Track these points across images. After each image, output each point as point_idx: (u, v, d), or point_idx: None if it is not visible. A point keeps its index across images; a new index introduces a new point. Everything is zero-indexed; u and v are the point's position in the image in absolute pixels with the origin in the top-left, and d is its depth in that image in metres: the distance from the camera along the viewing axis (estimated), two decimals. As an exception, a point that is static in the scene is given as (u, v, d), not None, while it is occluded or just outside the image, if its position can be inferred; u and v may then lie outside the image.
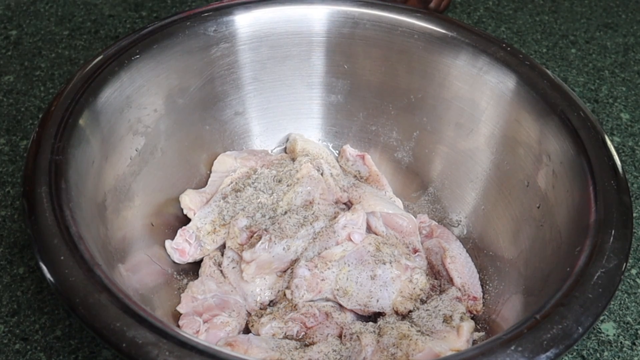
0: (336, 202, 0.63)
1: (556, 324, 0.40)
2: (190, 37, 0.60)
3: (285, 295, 0.56)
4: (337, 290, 0.55)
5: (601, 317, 0.56)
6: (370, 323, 0.54)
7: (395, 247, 0.58)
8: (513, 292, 0.54)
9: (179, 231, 0.59)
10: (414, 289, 0.56)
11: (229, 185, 0.62)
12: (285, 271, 0.57)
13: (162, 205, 0.61)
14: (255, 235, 0.56)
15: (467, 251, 0.60)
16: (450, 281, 0.57)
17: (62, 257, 0.41)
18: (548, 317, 0.41)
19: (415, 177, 0.67)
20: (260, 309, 0.56)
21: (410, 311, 0.55)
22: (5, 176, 0.70)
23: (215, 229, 0.59)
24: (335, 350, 0.51)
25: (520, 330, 0.40)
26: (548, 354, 0.39)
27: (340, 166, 0.68)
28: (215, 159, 0.66)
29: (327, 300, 0.56)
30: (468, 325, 0.51)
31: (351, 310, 0.56)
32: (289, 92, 0.67)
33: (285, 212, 0.59)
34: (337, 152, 0.70)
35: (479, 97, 0.61)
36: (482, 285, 0.58)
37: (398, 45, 0.63)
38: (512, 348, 0.39)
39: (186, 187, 0.63)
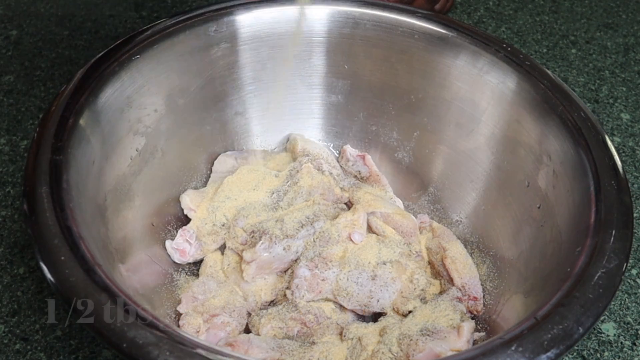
0: (336, 202, 0.63)
1: (557, 324, 0.40)
2: (190, 37, 0.60)
3: (285, 295, 0.56)
4: (338, 290, 0.55)
5: (602, 318, 0.56)
6: (371, 323, 0.54)
7: (396, 247, 0.58)
8: (513, 292, 0.54)
9: (180, 231, 0.59)
10: (414, 289, 0.56)
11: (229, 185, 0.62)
12: (285, 271, 0.57)
13: (163, 205, 0.61)
14: (255, 235, 0.56)
15: (467, 251, 0.60)
16: (451, 281, 0.57)
17: (62, 257, 0.41)
18: (548, 317, 0.41)
19: (415, 177, 0.67)
20: (261, 309, 0.56)
21: (410, 311, 0.55)
22: (6, 176, 0.70)
23: (215, 229, 0.59)
24: (335, 351, 0.51)
25: (521, 331, 0.40)
26: (549, 354, 0.39)
27: (341, 166, 0.68)
28: (216, 159, 0.66)
29: (328, 300, 0.56)
30: (468, 326, 0.51)
31: (351, 310, 0.56)
32: (289, 92, 0.67)
33: (286, 212, 0.59)
34: (338, 152, 0.70)
35: (480, 97, 0.61)
36: (482, 286, 0.58)
37: (398, 46, 0.63)
38: (513, 348, 0.39)
39: (186, 187, 0.64)
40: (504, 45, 0.60)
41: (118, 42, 0.57)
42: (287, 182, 0.61)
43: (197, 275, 0.59)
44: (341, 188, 0.63)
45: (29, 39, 0.88)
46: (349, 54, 0.65)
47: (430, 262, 0.60)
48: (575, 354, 0.58)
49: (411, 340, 0.49)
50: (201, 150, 0.65)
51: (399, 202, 0.66)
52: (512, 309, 0.53)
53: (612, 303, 0.61)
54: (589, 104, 0.83)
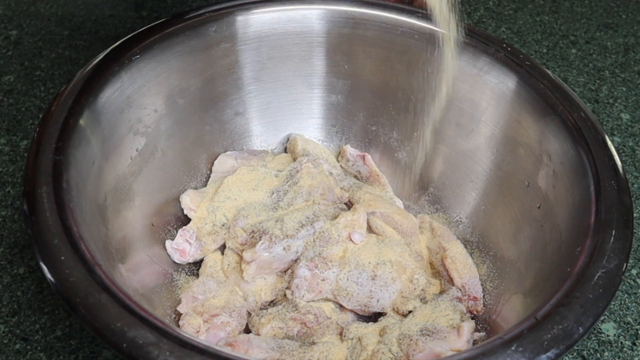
0: (336, 202, 0.63)
1: (557, 324, 0.40)
2: (190, 37, 0.60)
3: (285, 295, 0.56)
4: (338, 290, 0.55)
5: (601, 318, 0.56)
6: (371, 323, 0.54)
7: (396, 247, 0.58)
8: (513, 292, 0.54)
9: (180, 231, 0.59)
10: (414, 289, 0.56)
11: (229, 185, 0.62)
12: (285, 271, 0.57)
13: (163, 205, 0.61)
14: (255, 235, 0.56)
15: (467, 251, 0.60)
16: (451, 281, 0.57)
17: (62, 257, 0.41)
18: (548, 317, 0.41)
19: (415, 177, 0.67)
20: (261, 309, 0.56)
21: (410, 311, 0.55)
22: (6, 176, 0.70)
23: (215, 229, 0.59)
24: (335, 351, 0.51)
25: (521, 331, 0.40)
26: (549, 354, 0.39)
27: (341, 166, 0.68)
28: (216, 159, 0.66)
29: (328, 300, 0.56)
30: (468, 326, 0.51)
31: (351, 311, 0.56)
32: (289, 92, 0.67)
33: (286, 212, 0.59)
34: (338, 152, 0.70)
35: (480, 97, 0.61)
36: (482, 286, 0.58)
37: (398, 46, 0.63)
38: (513, 348, 0.39)
39: (186, 187, 0.64)
40: (504, 45, 0.60)
41: (118, 42, 0.57)
42: (287, 182, 0.61)
43: (197, 275, 0.59)
44: (341, 188, 0.63)
45: (29, 39, 0.88)
46: (349, 54, 0.65)
47: (430, 262, 0.60)
48: (575, 354, 0.58)
49: (411, 340, 0.49)
50: (201, 150, 0.65)
51: (399, 202, 0.66)
52: (512, 309, 0.53)
53: (612, 303, 0.61)
54: (589, 104, 0.83)
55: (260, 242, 0.55)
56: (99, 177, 0.51)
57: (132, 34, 0.58)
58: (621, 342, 0.59)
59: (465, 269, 0.58)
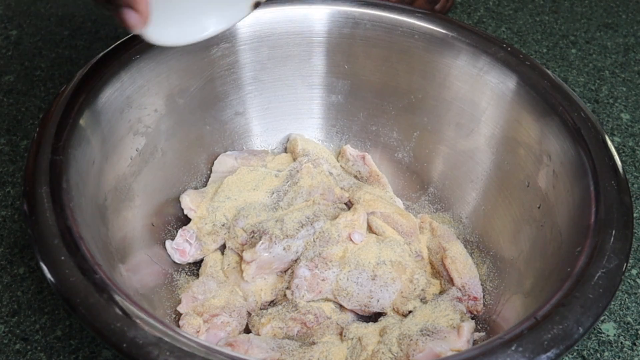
0: (336, 202, 0.63)
1: (557, 324, 0.40)
2: (190, 37, 0.60)
3: (285, 295, 0.56)
4: (338, 290, 0.55)
5: (602, 318, 0.56)
6: (371, 323, 0.54)
7: (396, 247, 0.58)
8: (513, 292, 0.54)
9: (180, 231, 0.59)
10: (414, 289, 0.56)
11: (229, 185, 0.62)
12: (285, 271, 0.57)
13: (163, 205, 0.61)
14: (255, 235, 0.56)
15: (467, 251, 0.60)
16: (451, 281, 0.57)
17: (62, 257, 0.41)
18: (548, 317, 0.41)
19: (415, 177, 0.67)
20: (261, 309, 0.56)
21: (410, 311, 0.55)
22: (6, 176, 0.70)
23: (215, 229, 0.59)
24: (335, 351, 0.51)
25: (521, 331, 0.40)
26: (549, 354, 0.39)
27: (341, 166, 0.68)
28: (216, 159, 0.66)
29: (328, 300, 0.56)
30: (468, 326, 0.51)
31: (351, 310, 0.56)
32: (289, 92, 0.67)
33: (286, 212, 0.59)
34: (338, 152, 0.70)
35: (480, 97, 0.61)
36: (482, 286, 0.58)
37: (398, 46, 0.63)
38: (513, 348, 0.39)
39: (186, 187, 0.64)
40: (504, 45, 0.60)
41: (118, 42, 0.57)
42: (287, 182, 0.61)
43: (197, 275, 0.59)
44: (341, 188, 0.63)
45: (29, 39, 0.88)
46: (349, 54, 0.65)
47: (430, 262, 0.60)
48: (575, 354, 0.58)
49: (411, 340, 0.49)
50: (201, 150, 0.65)
51: (399, 202, 0.66)
52: (512, 309, 0.53)
53: (612, 303, 0.61)
54: (589, 104, 0.83)
55: (260, 242, 0.55)
56: (99, 177, 0.51)
57: (132, 34, 0.58)
58: (621, 342, 0.59)
59: (465, 269, 0.58)
